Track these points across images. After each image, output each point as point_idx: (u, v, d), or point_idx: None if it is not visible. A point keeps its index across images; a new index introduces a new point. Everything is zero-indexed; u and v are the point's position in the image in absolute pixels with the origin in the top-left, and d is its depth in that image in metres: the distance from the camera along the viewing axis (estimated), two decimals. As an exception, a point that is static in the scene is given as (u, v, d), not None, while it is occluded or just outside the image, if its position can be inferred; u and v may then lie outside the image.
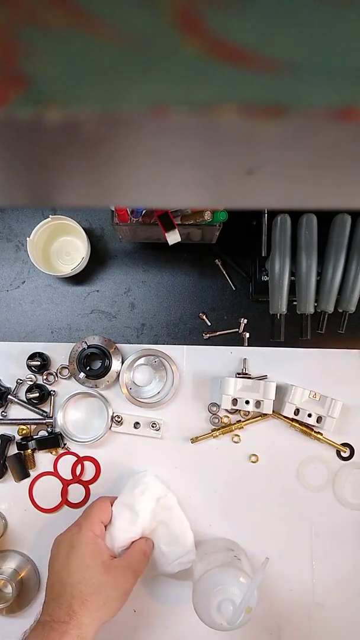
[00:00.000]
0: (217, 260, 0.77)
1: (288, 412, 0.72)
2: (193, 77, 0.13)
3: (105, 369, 0.73)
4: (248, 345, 0.75)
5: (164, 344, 0.76)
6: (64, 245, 0.76)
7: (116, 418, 0.74)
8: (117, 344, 0.75)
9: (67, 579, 0.60)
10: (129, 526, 0.66)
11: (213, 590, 0.60)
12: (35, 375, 0.75)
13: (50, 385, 0.75)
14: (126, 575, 0.62)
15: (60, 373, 0.75)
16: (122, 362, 0.74)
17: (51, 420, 0.74)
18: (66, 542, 0.63)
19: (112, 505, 0.68)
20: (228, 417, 0.75)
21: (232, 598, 0.59)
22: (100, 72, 0.13)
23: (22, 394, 0.75)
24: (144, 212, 0.64)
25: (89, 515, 0.65)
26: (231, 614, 0.59)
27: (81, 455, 0.74)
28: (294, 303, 0.65)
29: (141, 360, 0.75)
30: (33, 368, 0.74)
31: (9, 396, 0.74)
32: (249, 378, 0.73)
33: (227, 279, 0.77)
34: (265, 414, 0.73)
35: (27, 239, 0.70)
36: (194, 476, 0.74)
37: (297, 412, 0.72)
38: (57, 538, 0.65)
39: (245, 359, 0.75)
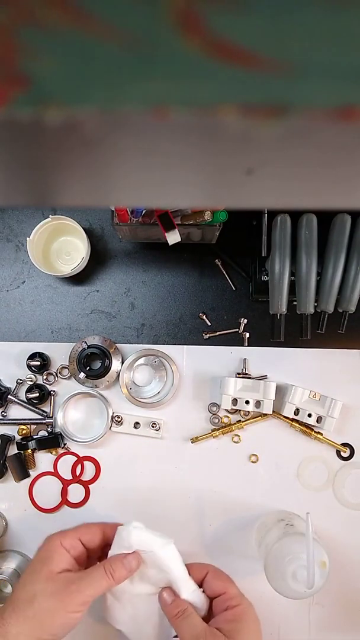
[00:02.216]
0: (217, 260, 0.77)
1: (288, 412, 0.72)
2: (193, 77, 0.13)
3: (105, 369, 0.73)
4: (248, 345, 0.75)
5: (164, 344, 0.76)
6: (64, 245, 0.76)
7: (116, 418, 0.74)
8: (117, 344, 0.75)
9: (22, 579, 0.55)
10: (129, 586, 0.59)
11: (283, 565, 0.60)
12: (35, 375, 0.75)
13: (50, 385, 0.75)
14: (72, 591, 0.53)
15: (60, 373, 0.75)
16: (122, 362, 0.74)
17: (51, 420, 0.74)
18: (39, 548, 0.59)
19: (103, 532, 0.61)
20: (228, 417, 0.75)
21: (302, 563, 0.59)
22: (100, 72, 0.13)
23: (22, 394, 0.75)
24: (144, 212, 0.64)
25: (70, 529, 0.60)
26: (306, 577, 0.58)
27: (81, 455, 0.74)
28: (294, 303, 0.65)
29: (141, 360, 0.75)
30: (33, 368, 0.74)
31: (9, 396, 0.74)
32: (249, 378, 0.73)
33: (227, 279, 0.77)
34: (265, 414, 0.73)
35: (27, 239, 0.70)
36: (194, 476, 0.74)
37: (297, 412, 0.72)
38: None
39: (245, 359, 0.75)
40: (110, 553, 0.59)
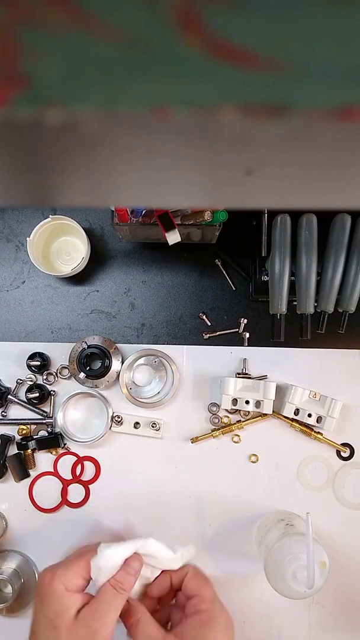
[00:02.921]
0: (217, 260, 0.77)
1: (288, 412, 0.72)
2: (193, 78, 0.13)
3: (105, 369, 0.73)
4: (248, 345, 0.75)
5: (164, 344, 0.76)
6: (64, 245, 0.76)
7: (116, 418, 0.74)
8: (117, 344, 0.75)
9: (38, 635, 0.54)
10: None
11: (283, 565, 0.60)
12: (35, 375, 0.75)
13: (50, 385, 0.75)
14: (93, 628, 0.53)
15: (60, 373, 0.75)
16: (122, 362, 0.74)
17: (51, 420, 0.74)
18: (38, 591, 0.56)
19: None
20: (228, 417, 0.75)
21: (302, 563, 0.59)
22: (100, 72, 0.13)
23: (22, 394, 0.75)
24: (144, 212, 0.64)
25: (68, 566, 0.56)
26: (306, 577, 0.58)
27: (81, 455, 0.74)
28: (294, 303, 0.65)
29: (141, 360, 0.75)
30: (33, 368, 0.74)
31: (9, 396, 0.74)
32: (249, 378, 0.73)
33: (227, 279, 0.77)
34: (265, 414, 0.73)
35: (27, 239, 0.70)
36: (194, 476, 0.74)
37: (297, 412, 0.72)
38: (39, 575, 0.57)
39: (245, 359, 0.75)
40: (98, 581, 0.57)
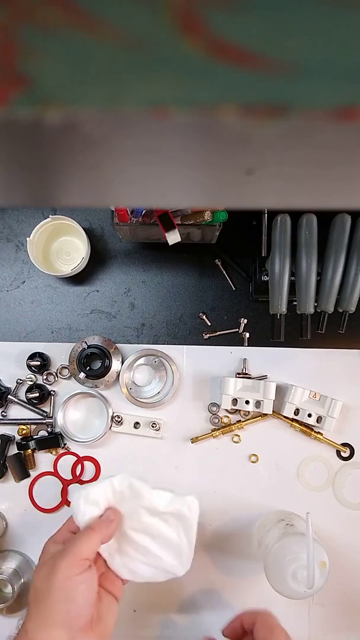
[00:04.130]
0: (217, 260, 0.77)
1: (288, 412, 0.72)
2: (193, 78, 0.13)
3: (105, 369, 0.73)
4: (248, 345, 0.75)
5: (164, 344, 0.76)
6: (64, 245, 0.76)
7: (116, 418, 0.74)
8: (117, 344, 0.75)
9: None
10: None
11: (283, 565, 0.60)
12: (35, 375, 0.75)
13: (50, 385, 0.75)
14: (57, 563, 0.51)
15: (60, 373, 0.75)
16: (122, 362, 0.74)
17: (51, 420, 0.74)
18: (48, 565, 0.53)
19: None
20: (228, 417, 0.75)
21: (302, 563, 0.59)
22: (100, 72, 0.13)
23: (22, 394, 0.75)
24: (144, 212, 0.64)
25: (75, 552, 0.53)
26: (306, 577, 0.58)
27: (81, 455, 0.74)
28: (294, 303, 0.65)
29: (141, 360, 0.75)
30: (33, 368, 0.74)
31: (9, 396, 0.74)
32: (249, 378, 0.73)
33: (227, 279, 0.77)
34: (265, 414, 0.73)
35: (27, 239, 0.70)
36: (194, 476, 0.74)
37: (297, 412, 0.72)
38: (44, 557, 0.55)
39: (245, 359, 0.75)
40: (79, 522, 0.56)
